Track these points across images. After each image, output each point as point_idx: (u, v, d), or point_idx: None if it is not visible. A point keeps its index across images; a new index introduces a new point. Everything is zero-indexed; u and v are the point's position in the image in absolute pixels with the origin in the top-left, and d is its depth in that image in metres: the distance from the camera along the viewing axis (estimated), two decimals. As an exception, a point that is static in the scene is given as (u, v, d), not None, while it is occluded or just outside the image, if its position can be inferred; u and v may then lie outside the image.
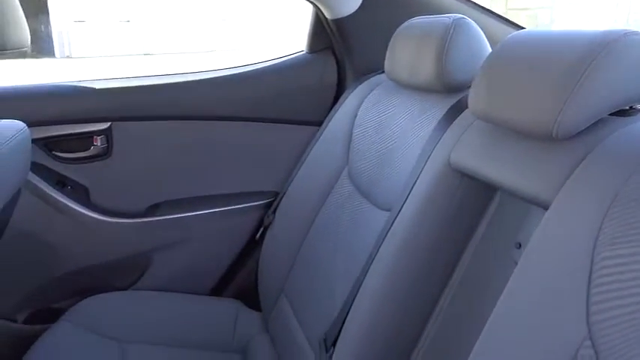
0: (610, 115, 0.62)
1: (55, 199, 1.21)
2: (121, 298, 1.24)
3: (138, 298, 1.26)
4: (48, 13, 10.08)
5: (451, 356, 0.78)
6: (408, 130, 0.96)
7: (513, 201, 0.77)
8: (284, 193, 1.27)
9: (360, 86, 1.20)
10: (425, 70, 0.93)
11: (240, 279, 1.39)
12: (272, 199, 1.34)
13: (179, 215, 1.30)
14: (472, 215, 0.81)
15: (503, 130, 0.72)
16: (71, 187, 1.25)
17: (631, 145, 0.57)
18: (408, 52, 0.97)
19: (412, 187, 0.85)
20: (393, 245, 0.83)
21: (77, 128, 1.22)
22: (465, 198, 0.80)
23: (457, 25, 0.90)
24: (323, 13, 1.27)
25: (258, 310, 1.28)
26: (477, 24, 0.93)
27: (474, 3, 1.24)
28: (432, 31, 0.92)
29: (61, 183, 1.24)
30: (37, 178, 1.19)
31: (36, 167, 1.19)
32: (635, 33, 0.61)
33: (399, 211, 0.85)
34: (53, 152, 1.23)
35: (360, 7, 1.22)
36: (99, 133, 1.24)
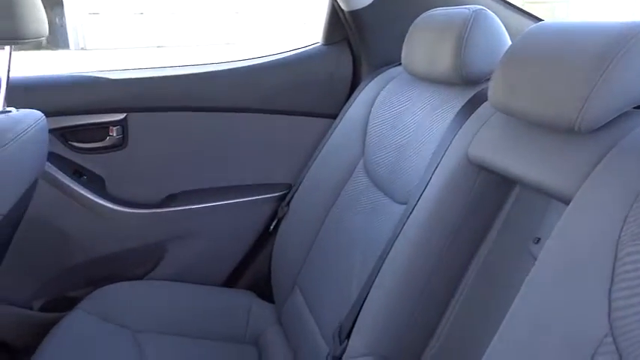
0: (634, 108, 0.61)
1: (72, 189, 1.22)
2: (135, 287, 1.25)
3: (152, 287, 1.27)
4: (62, 6, 10.15)
5: (466, 349, 0.78)
6: (424, 123, 0.95)
7: (532, 195, 0.76)
8: (298, 186, 1.27)
9: (376, 79, 1.19)
10: (443, 62, 0.92)
11: (253, 270, 1.39)
12: (286, 191, 1.34)
13: (193, 206, 1.30)
14: (490, 209, 0.80)
15: (524, 123, 0.71)
16: (87, 177, 1.26)
17: None
18: (425, 43, 0.96)
19: (429, 181, 0.84)
20: (410, 238, 0.83)
21: (93, 119, 1.23)
22: (483, 192, 0.79)
23: (477, 16, 0.89)
24: (339, 5, 1.26)
25: (271, 302, 1.28)
26: (496, 16, 0.92)
27: (494, -5, 1.23)
28: (451, 23, 0.91)
29: (77, 173, 1.25)
30: (54, 167, 1.20)
31: (53, 157, 1.19)
32: (660, 25, 0.59)
33: (416, 204, 0.84)
34: (70, 142, 1.23)
35: None
36: (115, 123, 1.24)
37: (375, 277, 0.86)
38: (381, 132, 1.07)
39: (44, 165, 1.05)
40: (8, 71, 0.93)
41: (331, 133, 1.24)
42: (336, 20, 1.31)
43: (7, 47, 0.90)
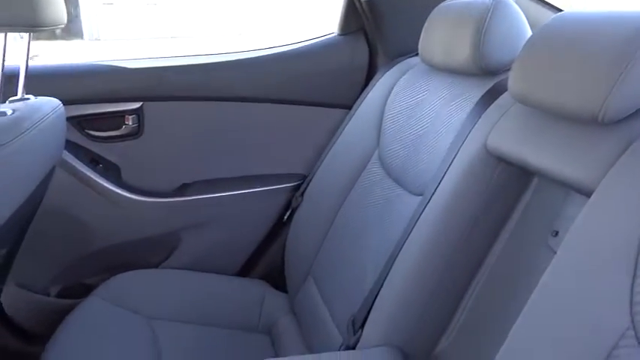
0: None
1: (88, 177, 1.23)
2: (150, 275, 1.26)
3: (166, 275, 1.27)
4: (77, -5, 10.19)
5: (481, 341, 0.78)
6: (442, 114, 0.94)
7: (551, 187, 0.75)
8: (312, 176, 1.26)
9: (392, 69, 1.18)
10: (461, 52, 0.91)
11: (267, 260, 1.39)
12: (300, 181, 1.34)
13: (208, 196, 1.31)
14: (507, 201, 0.79)
15: (544, 114, 0.70)
16: (103, 165, 1.27)
17: None
18: (443, 33, 0.95)
19: (446, 172, 0.84)
20: (425, 230, 0.82)
21: (109, 107, 1.24)
22: (501, 184, 0.78)
23: (497, 5, 0.87)
24: (355, -6, 1.25)
25: (284, 292, 1.28)
26: (516, 5, 0.91)
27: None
28: (470, 12, 0.90)
29: (94, 161, 1.26)
30: (71, 155, 1.21)
31: (69, 145, 1.20)
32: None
33: (432, 195, 0.84)
34: (86, 131, 1.24)
35: None
36: (130, 112, 1.25)
37: (390, 267, 0.86)
38: (397, 123, 1.06)
39: (61, 152, 1.06)
40: (27, 58, 0.93)
41: (346, 124, 1.24)
42: (352, 10, 1.30)
43: (26, 35, 0.91)
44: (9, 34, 0.88)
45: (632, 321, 0.48)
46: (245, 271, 1.40)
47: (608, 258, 0.52)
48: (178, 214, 1.31)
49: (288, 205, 1.33)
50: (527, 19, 0.92)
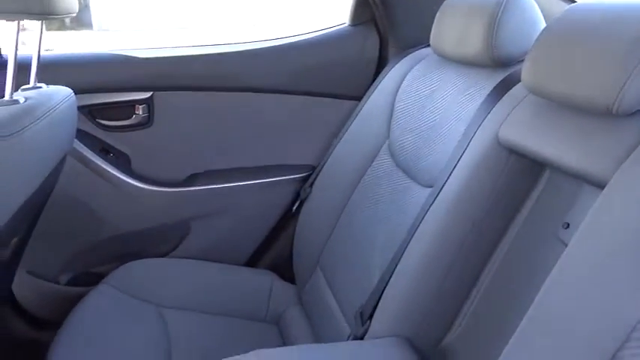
0: None
1: (98, 166, 1.23)
2: (159, 264, 1.27)
3: (175, 265, 1.28)
4: (86, -14, 10.19)
5: (489, 333, 0.77)
6: (453, 105, 0.94)
7: (563, 179, 0.75)
8: (322, 167, 1.26)
9: (403, 60, 1.17)
10: (474, 43, 0.90)
11: (275, 251, 1.40)
12: (309, 172, 1.34)
13: (217, 186, 1.31)
14: (519, 193, 0.79)
15: (558, 105, 0.70)
16: (114, 154, 1.27)
17: None
18: (456, 23, 0.95)
19: (457, 163, 0.83)
20: (435, 221, 0.82)
21: (120, 97, 1.24)
22: (513, 175, 0.78)
23: None
24: (366, -15, 1.24)
25: (292, 283, 1.29)
26: None
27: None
28: (483, 3, 0.89)
29: (104, 150, 1.26)
30: (81, 145, 1.22)
31: (80, 134, 1.21)
32: None
33: (442, 187, 0.84)
34: (97, 120, 1.25)
35: None
36: (141, 102, 1.25)
37: (399, 259, 0.86)
38: (408, 114, 1.06)
39: (73, 141, 1.06)
40: (39, 47, 0.93)
41: (356, 115, 1.23)
42: (363, 0, 1.29)
43: (39, 23, 0.91)
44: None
45: None
46: (253, 261, 1.40)
47: (620, 250, 0.52)
48: (187, 204, 1.31)
49: (296, 196, 1.34)
50: (541, 10, 0.91)
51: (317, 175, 1.27)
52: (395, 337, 0.81)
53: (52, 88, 0.96)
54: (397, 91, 1.12)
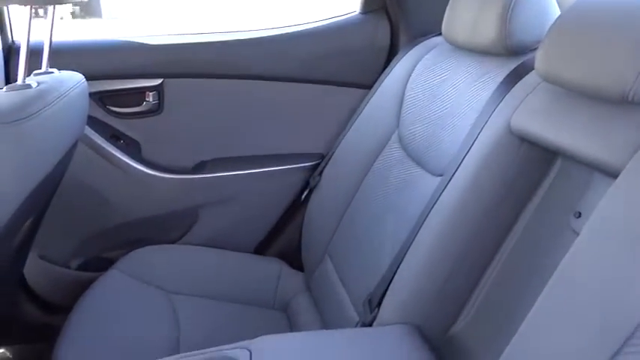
0: None
1: (109, 152, 1.24)
2: (168, 250, 1.28)
3: (184, 251, 1.29)
4: (96, -26, 10.18)
5: (498, 322, 0.78)
6: (465, 94, 0.93)
7: (575, 168, 0.74)
8: (331, 156, 1.26)
9: (414, 49, 1.17)
10: (487, 31, 0.89)
11: (283, 239, 1.40)
12: (318, 161, 1.34)
13: (226, 173, 1.32)
14: (530, 182, 0.78)
15: (572, 93, 0.69)
16: (124, 141, 1.28)
17: None
18: (469, 11, 0.94)
19: (467, 152, 0.83)
20: (445, 210, 0.82)
21: (130, 83, 1.24)
22: (524, 164, 0.78)
23: None
24: (378, -28, 1.23)
25: (300, 271, 1.29)
26: None
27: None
28: None
29: (114, 137, 1.27)
30: (92, 131, 1.23)
31: (91, 120, 1.22)
32: None
33: (453, 175, 0.83)
34: (107, 106, 1.25)
35: None
36: (151, 89, 1.25)
37: (408, 247, 0.86)
38: (418, 103, 1.06)
39: (84, 126, 1.07)
40: (51, 32, 0.94)
41: (366, 104, 1.23)
42: None
43: (50, 8, 0.91)
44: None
45: None
46: (262, 249, 1.41)
47: (632, 239, 0.52)
48: (197, 191, 1.32)
49: (306, 185, 1.34)
50: None
51: (326, 163, 1.27)
52: (403, 324, 0.81)
53: (64, 73, 0.96)
54: (408, 79, 1.11)
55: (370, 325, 0.86)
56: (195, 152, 1.32)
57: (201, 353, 0.73)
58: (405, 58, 1.17)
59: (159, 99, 1.26)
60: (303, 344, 0.76)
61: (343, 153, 1.23)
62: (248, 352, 0.72)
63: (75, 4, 0.88)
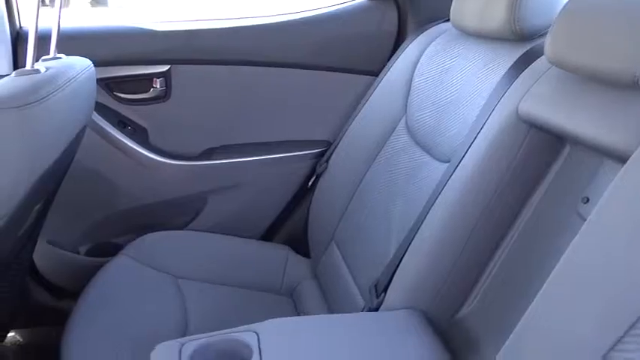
0: None
1: (116, 138, 1.25)
2: (176, 236, 1.28)
3: (192, 237, 1.30)
4: (102, -38, 10.14)
5: (504, 308, 0.78)
6: (473, 80, 0.93)
7: (584, 154, 0.74)
8: (338, 143, 1.26)
9: (422, 35, 1.16)
10: (496, 16, 0.89)
11: (290, 226, 1.41)
12: (325, 148, 1.34)
13: (233, 160, 1.32)
14: (538, 168, 0.78)
15: (581, 78, 0.69)
16: (131, 127, 1.28)
17: None
18: None
19: (475, 138, 0.83)
20: (452, 195, 0.82)
21: (138, 70, 1.24)
22: (532, 150, 0.77)
23: None
24: (386, -42, 1.22)
25: (307, 257, 1.30)
26: None
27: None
28: None
29: (121, 123, 1.27)
30: (99, 117, 1.23)
31: (98, 107, 1.22)
32: None
33: (460, 161, 0.83)
34: (114, 93, 1.25)
35: None
36: (158, 75, 1.25)
37: (415, 233, 0.86)
38: (426, 89, 1.05)
39: (92, 112, 1.07)
40: (59, 17, 0.94)
41: (373, 91, 1.23)
42: None
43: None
44: None
45: None
46: (268, 235, 1.41)
47: (639, 224, 0.52)
48: (204, 178, 1.32)
49: (312, 172, 1.34)
50: None
51: (333, 150, 1.27)
52: (409, 309, 0.81)
53: (72, 58, 0.96)
54: (415, 66, 1.11)
55: (376, 309, 0.87)
56: (202, 139, 1.33)
57: (209, 336, 0.74)
58: (412, 44, 1.16)
59: (166, 85, 1.26)
60: (310, 327, 0.76)
61: (350, 140, 1.23)
62: (255, 335, 0.72)
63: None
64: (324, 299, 1.15)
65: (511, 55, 0.88)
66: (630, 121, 0.60)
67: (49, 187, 0.97)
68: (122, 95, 1.26)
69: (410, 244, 0.86)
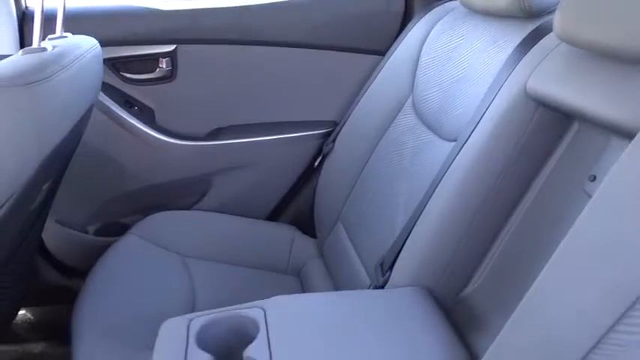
0: None
1: (123, 118, 1.25)
2: (183, 216, 1.29)
3: (199, 217, 1.31)
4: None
5: (509, 285, 0.78)
6: (480, 58, 0.92)
7: (592, 131, 0.73)
8: (344, 122, 1.26)
9: (429, 14, 1.15)
10: None
11: (296, 206, 1.41)
12: (332, 128, 1.34)
13: (240, 140, 1.32)
14: (545, 146, 0.78)
15: (591, 54, 0.68)
16: (138, 107, 1.28)
17: None
18: None
19: (482, 116, 0.82)
20: (459, 173, 0.82)
21: (143, 50, 1.24)
22: (540, 128, 0.77)
23: None
24: None
25: (313, 237, 1.30)
26: None
27: None
28: None
29: (128, 103, 1.27)
30: (106, 97, 1.23)
31: (105, 87, 1.22)
32: None
33: (467, 139, 0.83)
34: (121, 73, 1.25)
35: None
36: (164, 55, 1.25)
37: (421, 211, 0.86)
38: (433, 68, 1.04)
39: (99, 91, 1.07)
40: (65, -4, 0.94)
41: (380, 70, 1.22)
42: None
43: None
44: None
45: None
46: (275, 215, 1.42)
47: None
48: (211, 158, 1.33)
49: (319, 152, 1.34)
50: None
51: (340, 130, 1.27)
52: (415, 286, 0.82)
53: (79, 37, 0.96)
54: (422, 45, 1.10)
55: (382, 287, 0.88)
56: (209, 119, 1.33)
57: (217, 312, 0.75)
58: (419, 23, 1.15)
59: (172, 65, 1.26)
60: (316, 304, 0.77)
61: (357, 120, 1.23)
62: (262, 311, 0.73)
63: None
64: (330, 278, 1.16)
65: (519, 32, 0.87)
66: (639, 97, 0.59)
67: (57, 166, 0.97)
68: (128, 75, 1.26)
69: (416, 222, 0.86)
